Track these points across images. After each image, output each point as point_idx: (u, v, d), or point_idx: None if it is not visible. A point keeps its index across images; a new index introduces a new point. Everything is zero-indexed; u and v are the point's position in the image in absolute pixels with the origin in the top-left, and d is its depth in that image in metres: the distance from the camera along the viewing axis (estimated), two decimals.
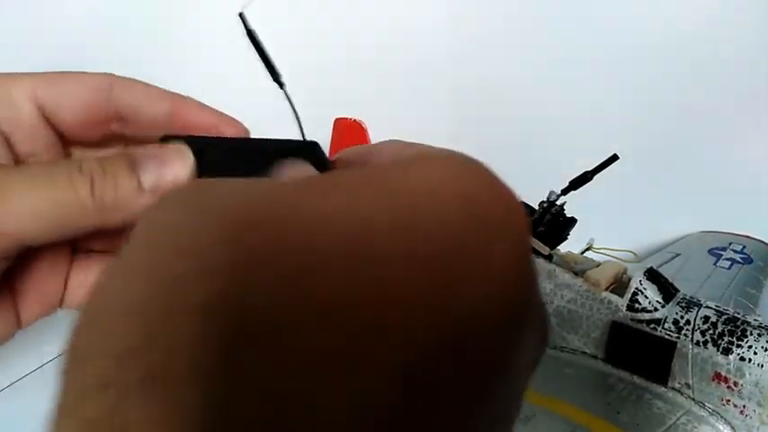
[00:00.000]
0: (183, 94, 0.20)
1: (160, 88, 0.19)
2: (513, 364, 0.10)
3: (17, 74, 0.18)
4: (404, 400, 0.09)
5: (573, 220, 0.41)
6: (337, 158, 0.18)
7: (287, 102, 0.22)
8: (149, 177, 0.16)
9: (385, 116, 0.64)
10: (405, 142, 0.14)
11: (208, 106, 0.20)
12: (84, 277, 0.19)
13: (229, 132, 0.19)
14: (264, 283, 0.09)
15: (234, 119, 0.20)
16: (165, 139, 0.17)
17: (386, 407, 0.09)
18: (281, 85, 0.20)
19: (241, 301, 0.09)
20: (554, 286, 0.40)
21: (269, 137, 0.19)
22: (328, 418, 0.08)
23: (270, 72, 0.20)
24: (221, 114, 0.20)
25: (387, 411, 0.09)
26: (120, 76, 0.19)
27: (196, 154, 0.17)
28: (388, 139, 0.15)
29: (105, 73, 0.19)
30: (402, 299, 0.09)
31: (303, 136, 0.21)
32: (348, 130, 0.59)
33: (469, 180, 0.11)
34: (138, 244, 0.10)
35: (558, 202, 0.40)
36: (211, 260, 0.09)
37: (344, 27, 0.66)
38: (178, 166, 0.16)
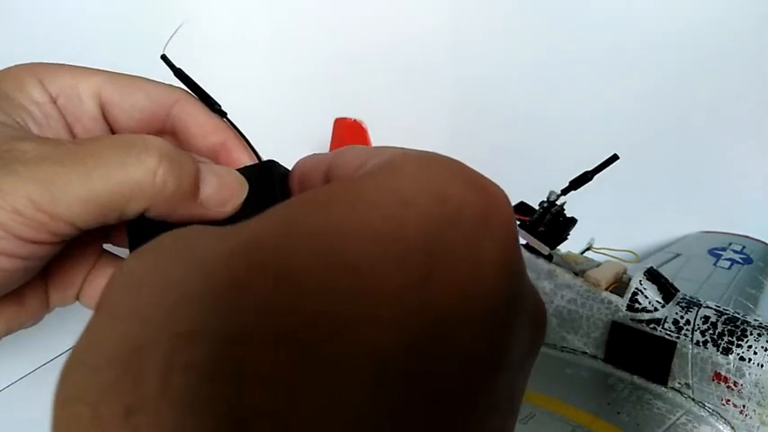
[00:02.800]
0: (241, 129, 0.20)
1: (220, 121, 0.20)
2: (505, 357, 0.11)
3: (88, 69, 0.19)
4: (390, 407, 0.09)
5: (573, 220, 0.41)
6: (294, 170, 0.18)
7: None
8: (206, 190, 0.16)
9: (385, 116, 0.64)
10: (366, 148, 0.15)
11: (251, 149, 0.20)
12: (105, 277, 0.19)
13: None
14: (242, 310, 0.09)
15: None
16: None
17: (366, 416, 0.09)
18: (222, 114, 0.20)
19: (215, 332, 0.09)
20: (554, 286, 0.40)
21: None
22: None
23: (207, 104, 0.20)
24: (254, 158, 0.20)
25: (369, 422, 0.09)
26: (188, 95, 0.20)
27: None
28: (346, 147, 0.16)
29: (174, 87, 0.19)
30: (377, 305, 0.09)
31: (258, 157, 0.21)
32: (348, 130, 0.59)
33: (443, 180, 0.11)
34: (123, 289, 0.11)
35: (558, 202, 0.40)
36: (189, 293, 0.10)
37: (345, 27, 0.66)
38: (234, 193, 0.17)
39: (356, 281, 0.09)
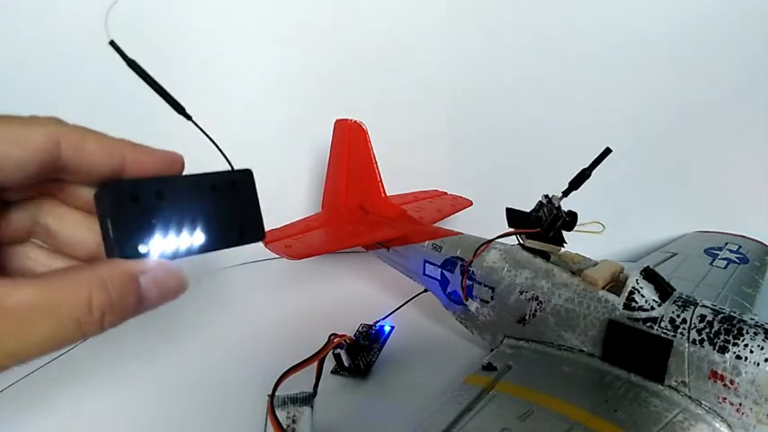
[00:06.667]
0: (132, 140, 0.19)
1: (112, 139, 0.18)
2: None
3: None
4: None
5: (574, 215, 0.41)
6: None
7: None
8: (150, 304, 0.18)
9: (385, 117, 0.64)
10: None
11: (155, 150, 0.19)
12: None
13: (176, 170, 0.19)
14: None
15: (178, 156, 0.19)
16: (103, 186, 0.17)
17: None
18: (187, 117, 0.19)
19: None
20: (552, 285, 0.41)
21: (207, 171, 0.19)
22: None
23: (172, 106, 0.18)
24: (167, 154, 0.19)
25: None
26: (68, 128, 0.17)
27: (141, 196, 0.17)
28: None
29: (53, 121, 0.17)
30: None
31: (230, 165, 0.19)
32: (348, 130, 0.59)
33: None
34: None
35: (555, 203, 0.40)
36: None
37: (345, 29, 0.66)
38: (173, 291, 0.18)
39: None
